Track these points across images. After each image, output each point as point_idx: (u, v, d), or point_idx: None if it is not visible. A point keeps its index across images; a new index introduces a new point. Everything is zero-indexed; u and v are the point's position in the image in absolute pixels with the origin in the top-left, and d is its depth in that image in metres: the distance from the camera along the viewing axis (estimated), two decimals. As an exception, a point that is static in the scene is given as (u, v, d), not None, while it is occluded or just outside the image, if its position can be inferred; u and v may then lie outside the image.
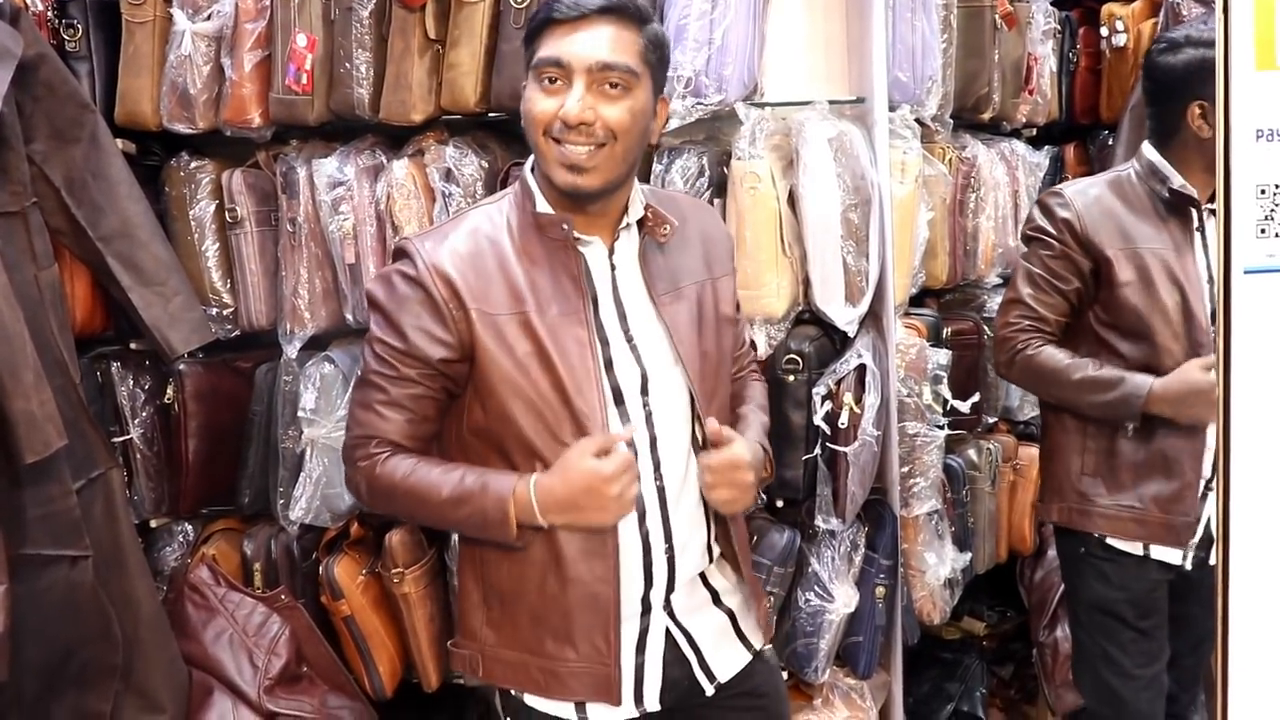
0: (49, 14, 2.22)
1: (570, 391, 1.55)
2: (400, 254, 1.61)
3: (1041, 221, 2.20)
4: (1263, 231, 2.13)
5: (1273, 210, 2.13)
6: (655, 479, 1.62)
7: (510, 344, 1.55)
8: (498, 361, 1.55)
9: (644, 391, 1.62)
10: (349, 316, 2.41)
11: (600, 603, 1.58)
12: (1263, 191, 2.14)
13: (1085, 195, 2.18)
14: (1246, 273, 2.14)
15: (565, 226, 1.59)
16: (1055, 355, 2.16)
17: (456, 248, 1.59)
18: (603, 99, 1.52)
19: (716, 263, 1.76)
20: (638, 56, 1.54)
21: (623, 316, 1.63)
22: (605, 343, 1.60)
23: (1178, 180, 2.11)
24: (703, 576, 1.74)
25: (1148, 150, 2.18)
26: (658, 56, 1.58)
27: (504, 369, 1.55)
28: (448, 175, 2.32)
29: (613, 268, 1.64)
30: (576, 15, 1.51)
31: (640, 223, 1.67)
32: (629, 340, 1.62)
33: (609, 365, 1.60)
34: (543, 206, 1.61)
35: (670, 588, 1.66)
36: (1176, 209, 2.12)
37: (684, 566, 1.67)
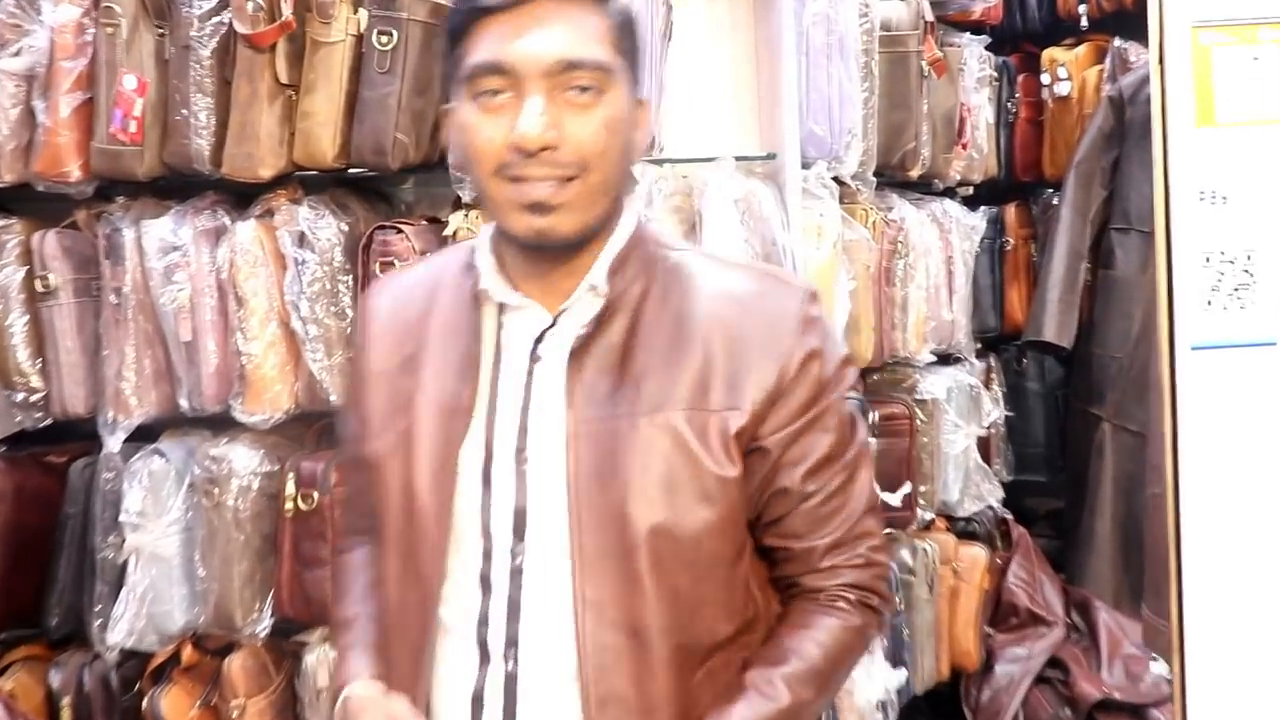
0: None
1: (420, 513, 1.33)
2: None
3: None
4: (1209, 304, 2.26)
5: (1219, 279, 2.26)
6: (505, 662, 1.30)
7: (386, 417, 1.39)
8: (372, 433, 1.40)
9: (517, 534, 1.32)
10: (183, 402, 2.38)
11: None
12: (1208, 260, 2.27)
13: None
14: (1194, 349, 2.25)
15: (482, 286, 1.36)
16: None
17: (395, 292, 1.48)
18: (569, 110, 1.25)
19: (730, 390, 1.31)
20: (609, 45, 1.28)
21: (523, 428, 1.33)
22: (489, 453, 1.34)
23: None
24: None
25: None
26: (631, 43, 1.33)
27: (373, 445, 1.40)
28: (301, 240, 2.32)
29: (534, 356, 1.35)
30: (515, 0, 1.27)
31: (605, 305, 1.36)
32: (519, 459, 1.33)
33: (486, 481, 1.33)
34: (482, 252, 1.39)
35: None
36: None
37: None
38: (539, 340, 1.34)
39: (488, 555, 1.32)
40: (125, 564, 2.34)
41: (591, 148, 1.25)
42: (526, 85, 1.23)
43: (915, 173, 2.95)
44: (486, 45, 1.26)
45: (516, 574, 1.30)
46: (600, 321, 1.32)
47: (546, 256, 1.32)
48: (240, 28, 2.29)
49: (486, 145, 1.26)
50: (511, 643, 1.30)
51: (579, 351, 1.31)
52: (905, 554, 2.91)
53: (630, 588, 1.27)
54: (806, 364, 1.32)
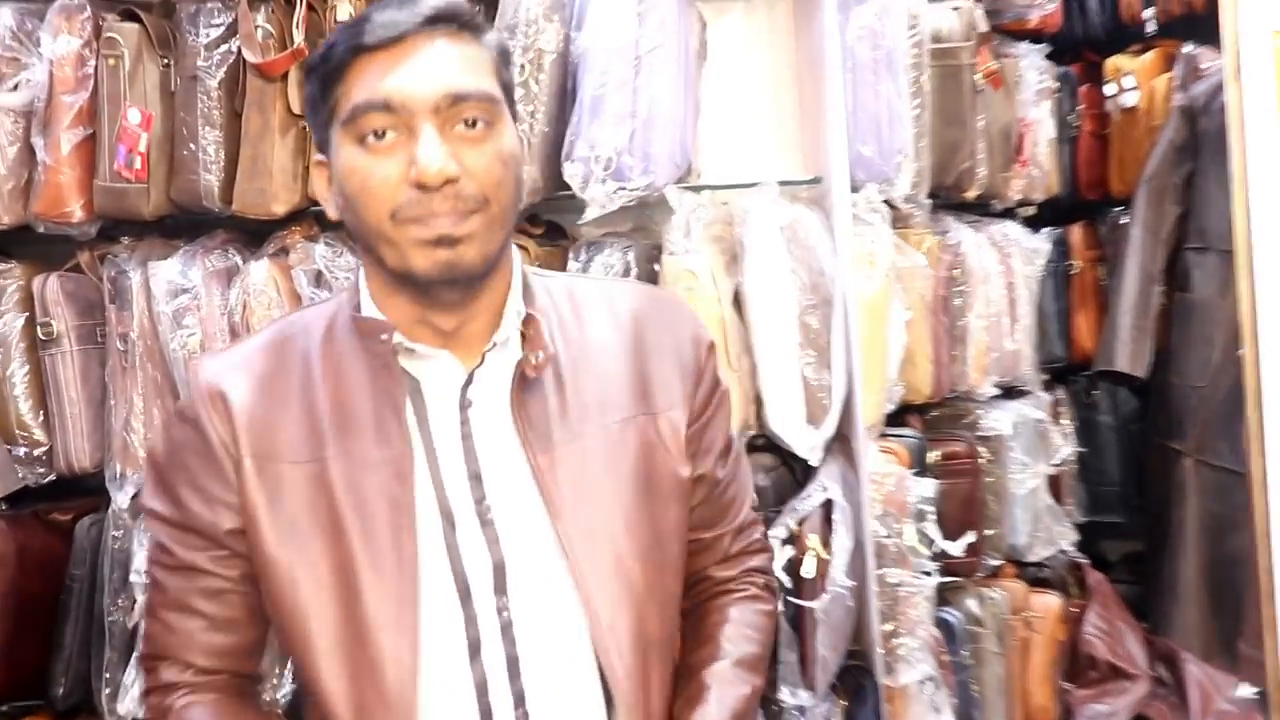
0: None
1: (365, 589, 1.29)
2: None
3: None
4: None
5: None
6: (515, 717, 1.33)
7: (289, 509, 1.31)
8: (267, 534, 1.31)
9: (499, 590, 1.33)
10: (195, 454, 2.35)
11: None
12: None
13: None
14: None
15: (385, 336, 1.34)
16: None
17: (251, 365, 1.37)
18: (463, 144, 1.28)
19: (664, 391, 1.43)
20: (493, 77, 1.32)
21: (475, 476, 1.35)
22: (447, 515, 1.34)
23: None
24: None
25: None
26: (509, 75, 1.38)
27: (274, 549, 1.31)
28: (318, 279, 2.30)
29: (464, 403, 1.37)
30: (396, 35, 1.27)
31: (524, 336, 1.40)
32: (481, 510, 1.35)
33: (451, 545, 1.33)
34: (368, 307, 1.37)
35: None
36: None
37: None
38: (468, 384, 1.37)
39: (472, 620, 1.32)
40: (136, 628, 2.30)
41: (488, 179, 1.28)
42: (416, 121, 1.25)
43: (972, 193, 2.90)
44: (368, 83, 1.26)
45: (507, 628, 1.32)
46: (532, 350, 1.36)
47: (442, 300, 1.33)
48: (250, 56, 2.27)
49: (381, 187, 1.26)
50: (519, 699, 1.33)
51: (519, 384, 1.36)
52: (971, 604, 2.84)
53: (635, 603, 1.34)
54: (709, 356, 1.49)
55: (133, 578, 2.31)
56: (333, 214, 1.37)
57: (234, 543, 1.34)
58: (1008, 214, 3.21)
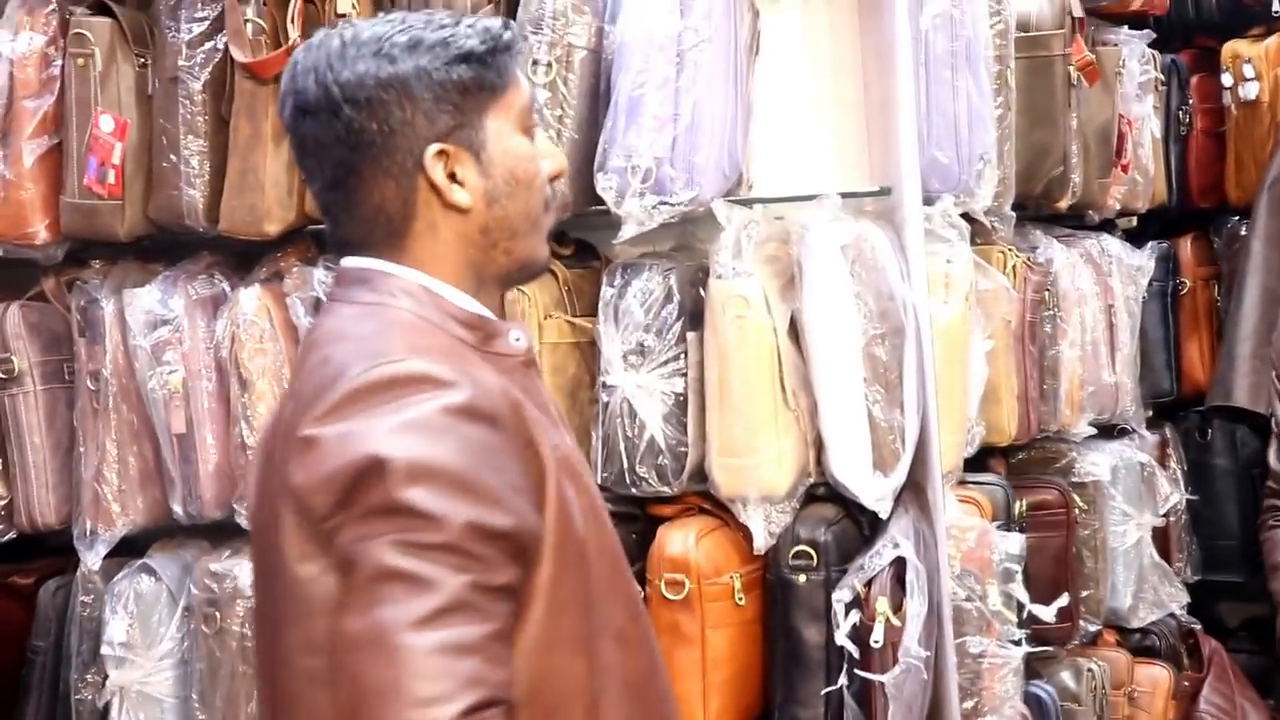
0: None
1: (632, 584, 1.54)
2: (418, 381, 1.33)
3: None
4: None
5: None
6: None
7: (570, 498, 1.42)
8: (574, 525, 1.41)
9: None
10: (176, 509, 2.34)
11: None
12: None
13: None
14: None
15: (518, 337, 1.47)
16: None
17: (469, 362, 1.42)
18: None
19: None
20: None
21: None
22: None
23: None
24: None
25: None
26: None
27: (580, 534, 1.42)
28: (317, 307, 2.27)
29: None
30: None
31: None
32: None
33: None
34: (474, 306, 1.46)
35: None
36: None
37: None
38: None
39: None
40: (108, 707, 2.31)
41: None
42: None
43: (1064, 203, 2.84)
44: (522, 80, 1.47)
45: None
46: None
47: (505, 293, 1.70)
48: (238, 55, 2.25)
49: (541, 178, 1.47)
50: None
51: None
52: (1066, 677, 2.79)
53: None
54: None
55: (104, 650, 2.29)
56: (468, 200, 1.42)
57: (534, 553, 1.35)
58: (1106, 226, 3.15)
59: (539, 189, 1.47)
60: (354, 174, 1.39)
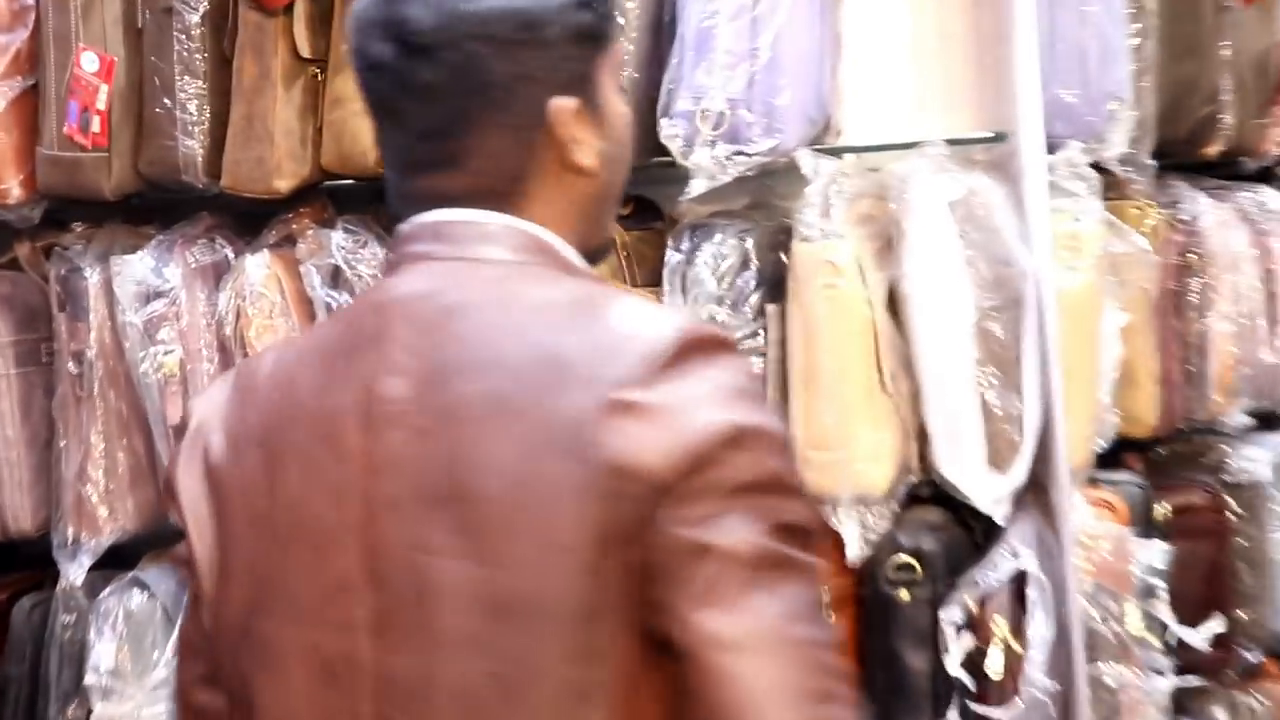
0: None
1: None
2: (716, 344, 1.37)
3: None
4: None
5: None
6: None
7: None
8: None
9: None
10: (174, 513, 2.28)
11: None
12: None
13: None
14: None
15: None
16: None
17: None
18: None
19: None
20: None
21: None
22: None
23: None
24: None
25: None
26: None
27: None
28: (335, 277, 2.29)
29: None
30: None
31: None
32: None
33: None
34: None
35: None
36: None
37: None
38: None
39: None
40: None
41: None
42: None
43: (1215, 150, 2.73)
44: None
45: None
46: None
47: None
48: (242, -21, 2.22)
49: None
50: None
51: None
52: (1219, 714, 2.71)
53: None
54: None
55: (88, 679, 2.27)
56: (590, 161, 1.41)
57: None
58: (1265, 177, 3.01)
59: (626, 160, 1.48)
60: (466, 122, 1.35)
